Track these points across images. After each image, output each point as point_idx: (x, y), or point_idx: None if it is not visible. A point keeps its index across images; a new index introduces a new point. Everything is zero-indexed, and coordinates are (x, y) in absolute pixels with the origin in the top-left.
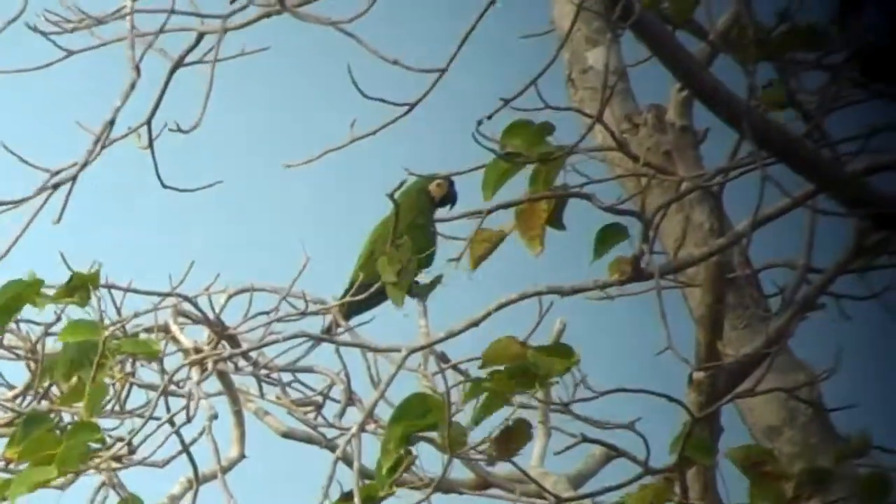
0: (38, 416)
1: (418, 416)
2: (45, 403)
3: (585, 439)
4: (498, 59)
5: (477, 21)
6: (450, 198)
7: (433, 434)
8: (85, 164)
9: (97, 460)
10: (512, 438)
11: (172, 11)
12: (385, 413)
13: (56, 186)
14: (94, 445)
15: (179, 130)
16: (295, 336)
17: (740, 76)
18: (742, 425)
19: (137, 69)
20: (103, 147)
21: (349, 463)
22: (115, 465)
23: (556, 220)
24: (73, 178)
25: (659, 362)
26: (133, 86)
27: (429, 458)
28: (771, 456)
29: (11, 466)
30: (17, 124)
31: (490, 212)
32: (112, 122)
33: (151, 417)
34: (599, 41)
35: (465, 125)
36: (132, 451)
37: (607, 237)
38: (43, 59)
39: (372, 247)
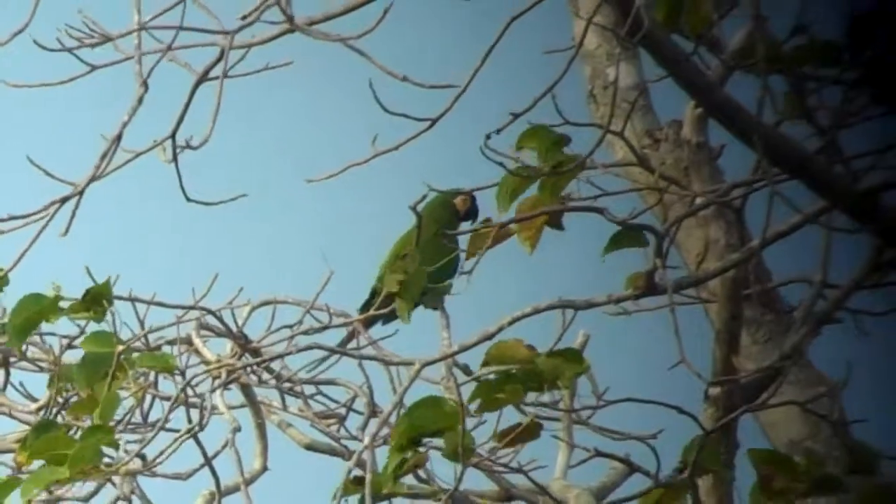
0: (50, 423)
1: (429, 418)
2: (64, 414)
3: (598, 453)
4: (519, 75)
5: (498, 38)
6: (472, 212)
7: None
8: (92, 179)
9: (116, 476)
10: (519, 435)
11: (181, 28)
12: None
13: (64, 200)
14: (109, 451)
15: (189, 147)
16: (309, 347)
17: (756, 93)
18: (759, 442)
19: (145, 84)
20: (112, 162)
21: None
22: (137, 477)
23: (555, 221)
24: (81, 193)
25: (679, 378)
26: (141, 101)
27: (442, 470)
28: (789, 466)
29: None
30: (37, 138)
31: (503, 225)
32: (119, 137)
33: (166, 429)
34: (621, 57)
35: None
36: (148, 466)
37: (622, 240)
38: (55, 75)
39: (394, 258)
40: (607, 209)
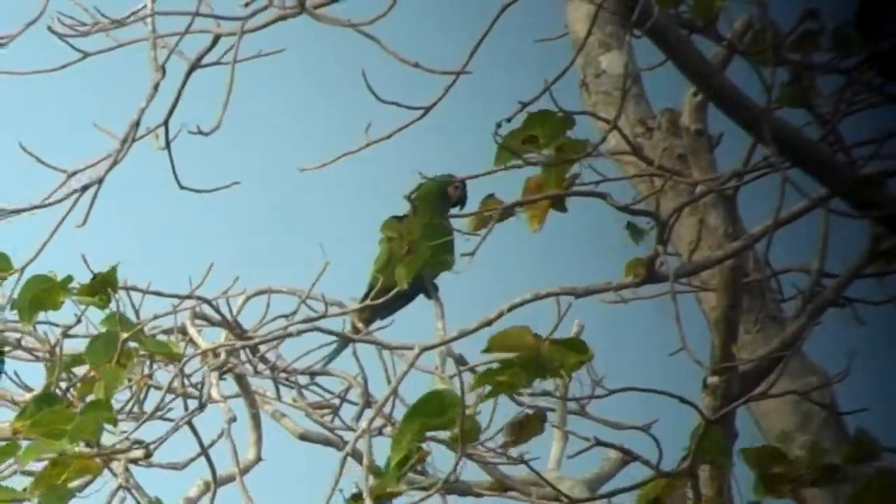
0: (51, 396)
1: (434, 414)
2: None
3: (599, 442)
4: (511, 63)
5: (490, 26)
6: (462, 199)
7: (446, 434)
8: (113, 165)
9: (115, 463)
10: (525, 429)
11: (196, 14)
12: (401, 415)
13: (85, 188)
14: (109, 428)
15: (200, 133)
16: (308, 329)
17: (755, 80)
18: (756, 431)
19: (163, 69)
20: (129, 147)
21: (360, 461)
22: (133, 466)
23: (559, 203)
24: (101, 180)
25: (675, 367)
26: (156, 86)
27: (443, 461)
28: (784, 458)
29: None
30: (34, 126)
31: (505, 208)
32: (138, 123)
33: (163, 418)
34: (612, 45)
35: (479, 127)
36: (149, 455)
37: (638, 230)
38: (63, 62)
39: (389, 249)
40: (610, 195)
